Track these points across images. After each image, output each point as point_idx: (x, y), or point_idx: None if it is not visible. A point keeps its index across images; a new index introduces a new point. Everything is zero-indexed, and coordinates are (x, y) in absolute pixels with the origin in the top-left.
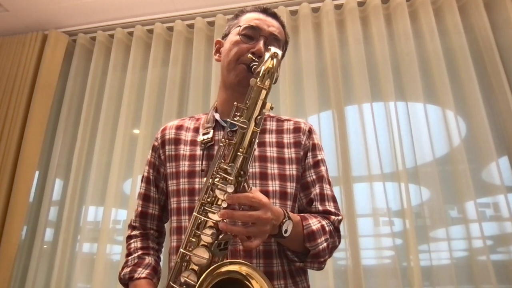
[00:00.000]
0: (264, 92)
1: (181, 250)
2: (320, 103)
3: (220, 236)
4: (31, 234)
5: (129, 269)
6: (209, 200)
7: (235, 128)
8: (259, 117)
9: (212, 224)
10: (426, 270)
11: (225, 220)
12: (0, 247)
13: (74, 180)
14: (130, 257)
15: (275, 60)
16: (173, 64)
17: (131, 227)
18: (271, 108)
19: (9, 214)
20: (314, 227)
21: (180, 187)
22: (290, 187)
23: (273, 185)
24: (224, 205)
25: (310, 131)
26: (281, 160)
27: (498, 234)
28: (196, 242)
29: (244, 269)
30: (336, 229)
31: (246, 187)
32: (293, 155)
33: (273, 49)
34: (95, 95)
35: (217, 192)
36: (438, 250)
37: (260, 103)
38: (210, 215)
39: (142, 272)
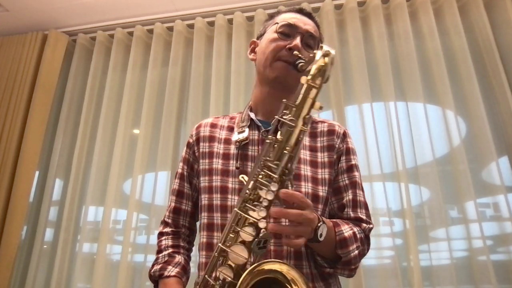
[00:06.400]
0: (314, 91)
1: (220, 245)
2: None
3: (260, 235)
4: (31, 234)
5: (159, 266)
6: (251, 197)
7: (269, 128)
8: (307, 116)
9: (253, 222)
10: (426, 270)
11: (270, 220)
12: (0, 247)
13: (74, 180)
14: (160, 255)
15: (327, 58)
16: (173, 64)
17: (164, 223)
18: (320, 107)
19: (9, 214)
20: (346, 234)
21: (212, 184)
22: (322, 190)
23: (306, 187)
24: (265, 203)
25: (344, 135)
26: (314, 164)
27: (498, 234)
28: (234, 238)
29: (285, 270)
30: (366, 237)
31: (289, 186)
32: (326, 159)
33: (326, 47)
34: (95, 95)
35: (259, 190)
36: (438, 250)
37: (309, 102)
38: (250, 212)
39: (171, 271)
